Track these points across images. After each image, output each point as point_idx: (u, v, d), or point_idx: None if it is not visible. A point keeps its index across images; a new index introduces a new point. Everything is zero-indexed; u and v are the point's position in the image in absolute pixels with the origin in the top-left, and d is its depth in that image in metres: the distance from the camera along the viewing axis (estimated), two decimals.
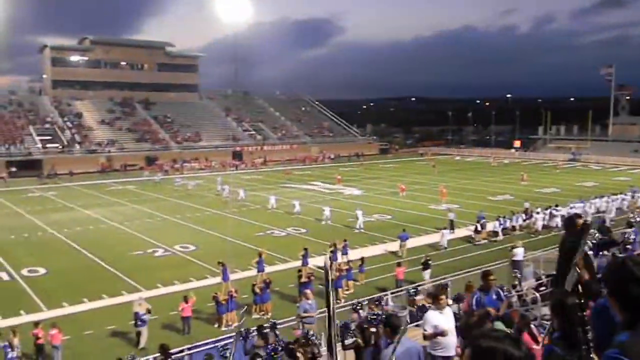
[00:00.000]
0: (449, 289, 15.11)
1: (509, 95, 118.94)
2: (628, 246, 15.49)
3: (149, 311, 16.43)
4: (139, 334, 16.11)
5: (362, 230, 29.61)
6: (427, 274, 20.60)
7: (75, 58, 78.52)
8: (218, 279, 20.18)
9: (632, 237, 15.65)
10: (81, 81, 77.92)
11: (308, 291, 16.13)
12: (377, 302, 15.07)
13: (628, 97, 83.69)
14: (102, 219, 34.72)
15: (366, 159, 73.43)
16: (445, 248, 26.09)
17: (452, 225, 29.01)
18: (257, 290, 18.29)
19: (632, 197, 37.08)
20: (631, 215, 28.99)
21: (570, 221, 4.93)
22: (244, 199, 39.79)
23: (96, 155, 64.57)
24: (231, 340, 13.22)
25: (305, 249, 22.23)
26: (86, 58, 79.05)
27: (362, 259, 21.93)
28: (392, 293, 18.22)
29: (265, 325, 13.22)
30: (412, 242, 26.04)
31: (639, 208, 33.58)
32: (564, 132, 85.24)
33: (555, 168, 61.78)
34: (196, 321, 17.46)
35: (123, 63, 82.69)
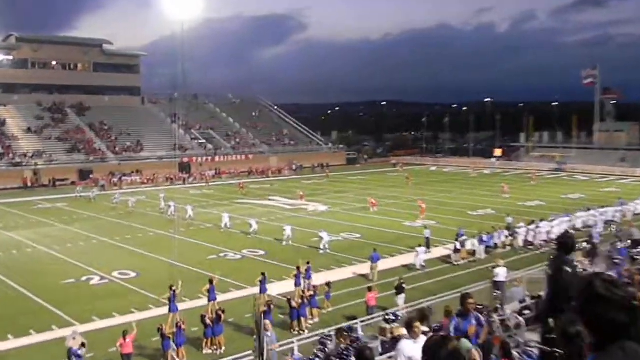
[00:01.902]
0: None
1: (488, 99, 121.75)
2: (616, 261, 16.00)
3: (83, 345, 16.11)
4: None
5: (327, 252, 29.67)
6: (401, 299, 20.71)
7: None
8: (164, 310, 19.87)
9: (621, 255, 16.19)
10: (5, 83, 75.98)
11: (267, 322, 16.04)
12: (346, 332, 15.06)
13: (614, 102, 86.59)
14: (27, 242, 33.78)
15: (332, 171, 73.78)
16: (423, 267, 26.36)
17: (428, 244, 29.35)
18: (208, 322, 18.08)
19: (621, 210, 38.26)
20: (618, 230, 29.95)
21: (563, 240, 5.03)
22: (192, 217, 39.39)
23: (21, 168, 62.94)
24: None
25: (263, 274, 22.13)
26: (11, 57, 77.31)
27: (328, 284, 21.93)
28: (362, 321, 18.27)
29: None
30: (384, 264, 26.21)
31: (629, 223, 34.72)
32: (547, 139, 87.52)
33: (531, 179, 62.96)
34: (139, 358, 17.13)
35: (54, 63, 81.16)
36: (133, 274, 26.49)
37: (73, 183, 61.13)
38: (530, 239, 30.87)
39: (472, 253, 28.82)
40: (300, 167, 78.08)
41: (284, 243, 31.82)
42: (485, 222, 36.24)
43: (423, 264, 26.65)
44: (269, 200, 50.28)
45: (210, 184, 63.47)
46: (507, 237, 31.01)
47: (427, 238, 29.76)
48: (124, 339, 16.46)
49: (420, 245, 27.72)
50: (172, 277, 22.08)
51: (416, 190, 54.05)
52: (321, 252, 29.63)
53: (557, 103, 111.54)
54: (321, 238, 30.42)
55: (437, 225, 35.97)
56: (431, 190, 55.36)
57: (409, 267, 26.73)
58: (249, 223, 35.39)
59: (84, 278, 26.00)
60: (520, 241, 30.62)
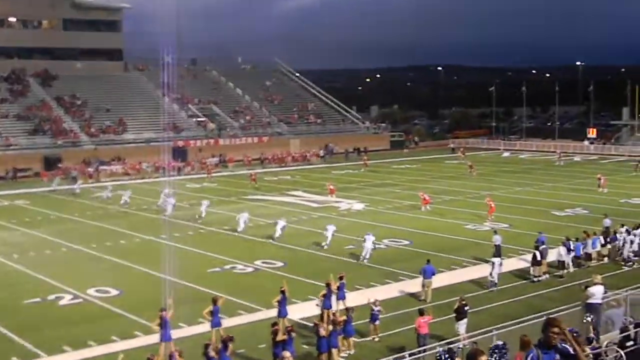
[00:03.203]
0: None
1: (579, 63, 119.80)
2: None
3: None
4: None
5: (366, 263, 29.72)
6: (462, 325, 20.65)
7: None
8: (154, 338, 20.09)
9: None
10: None
11: (287, 354, 16.14)
12: None
13: None
14: None
15: (371, 157, 73.59)
16: (495, 284, 26.27)
17: (498, 253, 29.16)
18: (212, 353, 18.22)
19: None
20: None
21: None
22: (202, 216, 40.10)
23: None
24: None
25: (283, 292, 22.21)
26: None
27: (375, 302, 21.90)
28: (411, 354, 18.26)
29: None
30: (440, 280, 26.11)
31: None
32: None
33: (635, 169, 62.00)
34: None
35: (12, 19, 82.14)
36: (114, 292, 26.73)
37: (37, 174, 61.89)
38: (635, 247, 30.46)
39: (557, 265, 28.56)
40: (330, 152, 78.09)
41: (325, 246, 32.50)
42: (574, 225, 35.89)
43: (496, 280, 26.51)
44: (289, 195, 50.49)
45: (213, 175, 63.83)
46: (603, 245, 30.63)
47: (497, 246, 29.54)
48: None
49: (494, 255, 27.61)
50: (164, 296, 22.33)
51: (482, 183, 53.76)
52: (366, 261, 29.80)
53: None
54: (364, 240, 30.48)
55: (511, 230, 35.74)
56: (502, 183, 55.05)
57: (478, 282, 26.66)
58: (276, 225, 35.34)
59: (51, 297, 26.31)
60: (625, 251, 30.23)
